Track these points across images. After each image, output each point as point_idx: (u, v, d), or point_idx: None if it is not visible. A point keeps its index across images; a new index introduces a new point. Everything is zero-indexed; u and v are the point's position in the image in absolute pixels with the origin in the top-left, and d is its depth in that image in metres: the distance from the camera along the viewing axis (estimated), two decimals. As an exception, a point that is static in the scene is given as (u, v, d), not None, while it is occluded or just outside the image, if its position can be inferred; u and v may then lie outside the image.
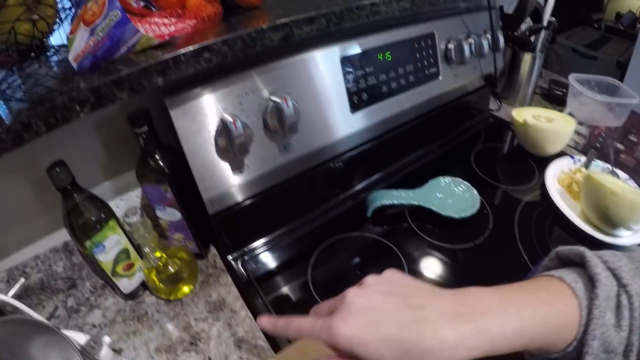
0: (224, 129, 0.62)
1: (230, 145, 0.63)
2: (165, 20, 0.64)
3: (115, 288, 0.72)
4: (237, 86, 0.63)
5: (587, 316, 0.37)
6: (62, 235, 0.76)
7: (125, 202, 0.79)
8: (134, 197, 0.80)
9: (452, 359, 0.34)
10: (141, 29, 0.58)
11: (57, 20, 0.71)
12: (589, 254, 0.40)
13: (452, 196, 0.84)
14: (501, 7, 1.08)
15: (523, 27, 1.12)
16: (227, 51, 0.58)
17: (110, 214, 0.68)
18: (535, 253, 0.73)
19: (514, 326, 0.36)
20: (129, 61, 0.56)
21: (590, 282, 0.38)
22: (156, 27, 0.62)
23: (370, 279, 0.41)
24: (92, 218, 0.66)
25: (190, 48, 0.55)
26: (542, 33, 1.07)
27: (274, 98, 0.64)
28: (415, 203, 0.81)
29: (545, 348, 0.38)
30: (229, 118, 0.61)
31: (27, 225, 0.74)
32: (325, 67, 0.71)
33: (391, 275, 0.42)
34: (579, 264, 0.42)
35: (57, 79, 0.59)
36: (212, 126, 0.63)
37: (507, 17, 1.08)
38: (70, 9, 0.72)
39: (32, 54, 0.71)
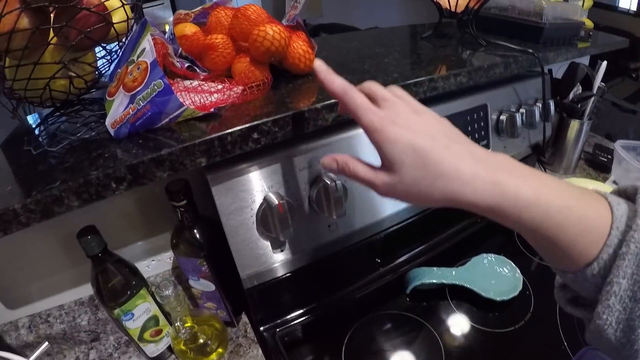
0: (267, 207, 0.59)
1: (273, 224, 0.59)
2: (211, 87, 0.62)
3: (140, 350, 0.69)
4: (284, 163, 0.61)
5: (620, 238, 0.32)
6: (89, 289, 0.75)
7: (157, 264, 0.77)
8: (166, 258, 0.77)
9: (457, 193, 0.36)
10: (186, 101, 0.56)
11: (96, 75, 0.70)
12: None
13: (495, 276, 0.80)
14: (550, 71, 1.05)
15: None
16: (278, 132, 0.55)
17: (141, 282, 0.66)
18: (576, 340, 0.68)
19: (529, 194, 0.34)
20: (170, 132, 0.54)
21: (636, 214, 0.33)
22: (201, 95, 0.59)
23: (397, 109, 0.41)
24: (122, 284, 0.64)
25: (238, 128, 0.53)
26: (591, 100, 1.03)
27: (322, 177, 0.61)
28: (457, 283, 0.77)
29: (558, 249, 0.35)
30: (273, 198, 0.58)
31: (53, 276, 0.73)
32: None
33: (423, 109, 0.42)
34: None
35: (93, 144, 0.57)
36: (255, 204, 0.60)
37: (556, 83, 1.04)
38: (110, 64, 0.71)
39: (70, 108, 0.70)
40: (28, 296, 0.73)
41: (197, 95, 0.59)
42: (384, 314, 0.74)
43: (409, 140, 0.38)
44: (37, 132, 0.68)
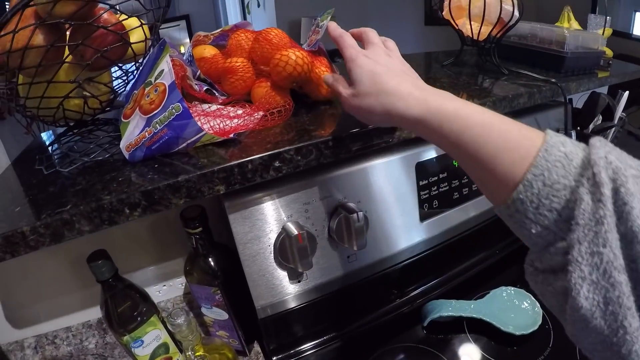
0: (286, 237, 0.57)
1: (292, 254, 0.58)
2: (231, 112, 0.60)
3: (149, 377, 0.67)
4: (304, 193, 0.59)
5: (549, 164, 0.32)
6: (98, 312, 0.73)
7: (168, 289, 0.75)
8: (178, 284, 0.76)
9: (392, 106, 0.44)
10: (204, 125, 0.54)
11: (111, 96, 0.69)
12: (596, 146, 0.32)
13: (514, 310, 0.77)
14: (570, 100, 1.03)
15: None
16: (300, 160, 0.54)
17: (152, 308, 0.64)
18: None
19: (449, 108, 0.40)
20: (187, 157, 0.53)
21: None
22: (220, 120, 0.58)
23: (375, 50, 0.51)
24: (132, 310, 0.62)
25: (259, 156, 0.51)
26: (612, 130, 1.02)
27: (342, 208, 0.60)
28: (475, 316, 0.75)
29: (483, 169, 0.37)
30: (293, 228, 0.56)
31: (61, 297, 0.72)
32: (399, 173, 0.67)
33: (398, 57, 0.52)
34: None
35: (106, 166, 0.55)
36: (273, 233, 0.58)
37: (577, 113, 1.03)
38: (126, 85, 0.70)
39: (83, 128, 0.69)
40: (35, 316, 0.71)
41: (216, 119, 0.57)
42: (400, 346, 0.72)
43: (370, 67, 0.47)
44: (49, 151, 0.67)
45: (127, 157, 0.53)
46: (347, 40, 0.52)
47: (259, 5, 4.19)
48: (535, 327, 0.73)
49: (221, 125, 0.56)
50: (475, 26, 0.89)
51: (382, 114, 0.46)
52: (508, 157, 0.35)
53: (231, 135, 0.55)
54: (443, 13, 0.96)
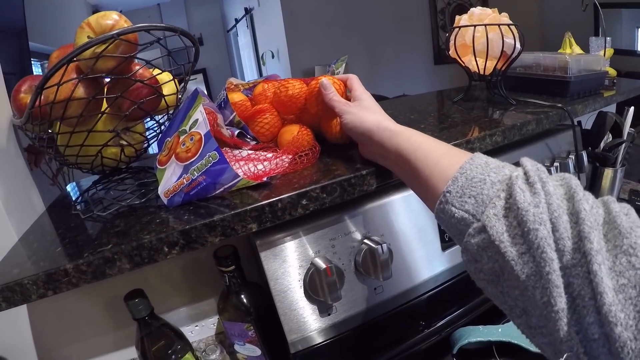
0: (315, 272, 0.59)
1: (321, 288, 0.60)
2: (261, 156, 0.64)
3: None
4: (330, 229, 0.62)
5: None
6: (131, 353, 0.75)
7: (200, 329, 0.77)
8: (210, 324, 0.78)
9: (356, 122, 0.57)
10: (239, 171, 0.57)
11: (145, 144, 0.73)
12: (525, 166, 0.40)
13: (542, 331, 0.78)
14: (579, 122, 1.06)
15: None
16: (325, 198, 0.57)
17: (187, 346, 0.66)
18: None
19: (395, 127, 0.53)
20: (219, 199, 0.56)
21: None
22: (252, 164, 0.61)
23: (365, 97, 0.62)
24: (167, 348, 0.64)
25: (288, 195, 0.54)
26: (623, 146, 1.03)
27: (367, 241, 0.62)
28: (504, 340, 0.75)
29: (424, 177, 0.46)
30: (321, 262, 0.59)
31: (95, 338, 0.74)
32: (418, 205, 0.69)
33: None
34: None
35: (142, 210, 0.59)
36: (302, 269, 0.61)
37: (587, 133, 1.05)
38: (158, 135, 0.74)
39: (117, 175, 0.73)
40: (68, 357, 0.73)
41: (248, 164, 0.60)
42: (431, 376, 0.72)
43: (355, 124, 0.58)
44: (84, 197, 0.70)
45: (165, 202, 0.56)
46: (332, 95, 0.63)
47: (273, 57, 4.31)
48: (565, 346, 0.73)
49: (254, 170, 0.59)
50: (481, 62, 0.93)
51: (374, 120, 0.56)
52: (446, 163, 0.44)
53: (264, 179, 0.58)
54: (450, 52, 1.00)
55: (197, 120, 0.57)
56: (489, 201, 0.38)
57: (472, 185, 0.40)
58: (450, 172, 0.42)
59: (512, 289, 0.37)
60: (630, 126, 1.03)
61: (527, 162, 0.39)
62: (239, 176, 0.55)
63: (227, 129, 0.67)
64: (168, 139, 0.63)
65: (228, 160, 0.55)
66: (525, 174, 0.38)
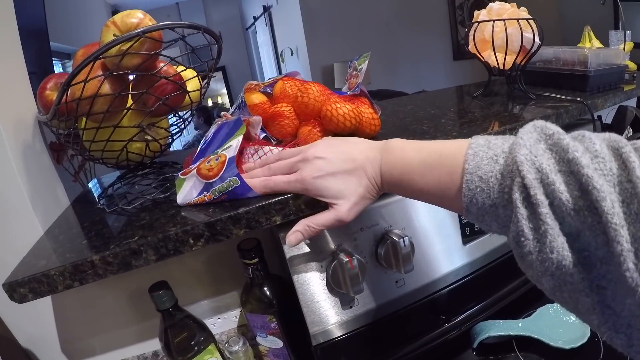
0: (337, 264, 0.60)
1: (344, 280, 0.60)
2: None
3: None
4: (352, 222, 0.62)
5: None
6: (153, 345, 0.76)
7: (222, 322, 0.78)
8: (232, 317, 0.79)
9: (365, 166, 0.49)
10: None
11: (169, 140, 0.74)
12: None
13: (562, 325, 0.78)
14: (599, 117, 1.05)
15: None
16: (347, 191, 0.57)
17: (210, 337, 0.67)
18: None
19: (394, 175, 0.48)
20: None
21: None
22: None
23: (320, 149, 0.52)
24: (190, 339, 0.65)
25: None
26: (643, 141, 1.02)
27: (389, 234, 0.62)
28: (524, 334, 0.75)
29: (437, 202, 0.45)
30: (343, 256, 0.59)
31: (118, 330, 0.75)
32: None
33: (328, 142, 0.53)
34: None
35: (166, 204, 0.59)
36: (325, 261, 0.61)
37: (607, 128, 1.04)
38: (180, 131, 0.75)
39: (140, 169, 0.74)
40: (91, 349, 0.75)
41: None
42: (451, 370, 0.72)
43: (328, 182, 0.50)
44: (109, 192, 0.72)
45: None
46: (274, 184, 0.54)
47: (292, 54, 4.33)
48: (584, 340, 0.74)
49: None
50: (500, 56, 0.93)
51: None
52: (447, 198, 0.42)
53: None
54: (469, 47, 1.00)
55: (230, 145, 0.57)
56: (509, 222, 0.36)
57: (486, 213, 0.38)
58: (458, 203, 0.40)
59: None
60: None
61: (522, 165, 0.33)
62: (259, 195, 0.55)
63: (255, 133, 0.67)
64: (202, 157, 0.61)
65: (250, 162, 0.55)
66: (525, 187, 0.33)
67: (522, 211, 0.33)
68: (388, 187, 0.50)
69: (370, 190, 0.50)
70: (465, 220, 0.73)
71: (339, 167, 0.50)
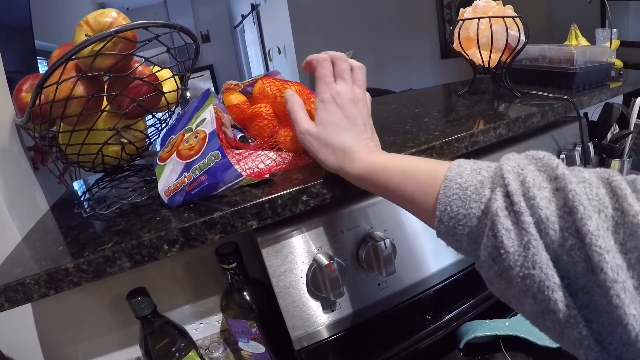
0: (317, 268, 0.59)
1: (324, 284, 0.59)
2: (261, 155, 0.63)
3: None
4: (333, 224, 0.61)
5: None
6: (135, 351, 0.76)
7: (205, 327, 0.77)
8: (214, 321, 0.78)
9: (345, 164, 0.50)
10: (243, 171, 0.56)
11: (146, 142, 0.73)
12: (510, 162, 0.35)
13: (549, 324, 0.77)
14: (585, 114, 1.05)
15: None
16: (326, 193, 0.56)
17: (190, 344, 0.66)
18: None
19: (377, 163, 0.48)
20: (219, 197, 0.56)
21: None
22: (253, 162, 0.60)
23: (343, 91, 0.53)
24: (171, 345, 0.64)
25: (288, 191, 0.54)
26: (629, 137, 1.02)
27: (370, 236, 0.61)
28: (511, 333, 0.74)
29: (411, 208, 0.45)
30: (323, 258, 0.58)
31: (100, 337, 0.74)
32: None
33: (345, 102, 0.53)
34: None
35: (143, 208, 0.59)
36: (305, 265, 0.60)
37: (593, 125, 1.04)
38: (159, 132, 0.74)
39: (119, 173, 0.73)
40: (74, 356, 0.74)
41: (249, 162, 0.60)
42: (437, 371, 0.71)
43: (337, 119, 0.52)
44: (87, 196, 0.70)
45: (166, 201, 0.55)
46: (324, 71, 0.55)
47: (280, 52, 4.32)
48: (571, 337, 0.73)
49: (256, 168, 0.59)
50: (485, 54, 0.92)
51: (332, 166, 0.52)
52: (422, 197, 0.41)
53: (266, 176, 0.58)
54: (454, 45, 0.99)
55: (204, 119, 0.57)
56: (481, 237, 0.35)
57: (458, 224, 0.37)
58: (431, 207, 0.39)
59: (524, 315, 0.36)
60: (637, 117, 1.02)
61: (508, 171, 0.33)
62: (242, 175, 0.54)
63: (232, 131, 0.67)
64: (172, 136, 0.63)
65: (231, 157, 0.54)
66: (508, 196, 0.32)
67: (502, 220, 0.32)
68: (365, 170, 0.49)
69: (350, 155, 0.51)
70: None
71: (351, 118, 0.53)
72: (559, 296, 0.29)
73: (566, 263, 0.30)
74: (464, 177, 0.37)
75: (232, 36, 6.24)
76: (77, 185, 0.83)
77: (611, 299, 0.26)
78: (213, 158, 0.52)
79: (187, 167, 0.54)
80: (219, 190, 0.56)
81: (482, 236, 0.34)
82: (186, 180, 0.54)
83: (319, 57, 0.56)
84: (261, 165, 0.60)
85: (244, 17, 5.41)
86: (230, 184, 0.55)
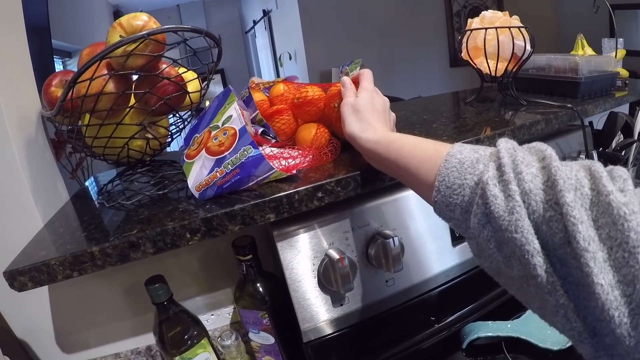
0: (329, 262, 0.62)
1: (334, 278, 0.62)
2: (284, 153, 0.66)
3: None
4: (345, 221, 0.64)
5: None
6: (147, 340, 0.77)
7: (216, 318, 0.79)
8: (225, 314, 0.80)
9: (365, 130, 0.56)
10: (274, 165, 0.58)
11: (169, 138, 0.76)
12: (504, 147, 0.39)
13: (550, 326, 0.79)
14: (590, 123, 1.07)
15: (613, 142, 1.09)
16: (340, 191, 0.59)
17: (203, 332, 0.69)
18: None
19: (392, 135, 0.54)
20: (243, 191, 0.58)
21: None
22: (278, 160, 0.63)
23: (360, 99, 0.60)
24: (184, 333, 0.66)
25: (304, 187, 0.57)
26: (634, 146, 1.04)
27: (380, 234, 0.64)
28: (513, 335, 0.76)
29: (412, 179, 0.48)
30: (335, 254, 0.61)
31: (113, 324, 0.76)
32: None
33: (379, 100, 0.62)
34: None
35: (164, 200, 0.61)
36: (317, 259, 0.63)
37: (598, 134, 1.06)
38: (179, 130, 0.77)
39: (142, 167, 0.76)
40: (85, 342, 0.76)
41: (273, 160, 0.62)
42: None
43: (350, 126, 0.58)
44: (108, 188, 0.74)
45: (197, 196, 0.57)
46: (346, 91, 0.64)
47: (290, 58, 4.34)
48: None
49: (284, 164, 0.62)
50: (492, 63, 0.95)
51: (355, 131, 0.57)
52: (426, 167, 0.45)
53: (293, 172, 0.60)
54: (462, 54, 1.02)
55: (231, 116, 0.59)
56: (472, 206, 0.38)
57: (453, 193, 0.41)
58: (431, 179, 0.44)
59: (510, 286, 0.39)
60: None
61: (503, 149, 0.38)
62: (274, 168, 0.57)
63: (252, 126, 0.69)
64: (197, 135, 0.65)
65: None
66: (499, 168, 0.36)
67: (491, 188, 0.36)
68: (382, 137, 0.54)
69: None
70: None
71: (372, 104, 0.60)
72: (537, 261, 0.32)
73: (545, 233, 0.33)
74: (464, 154, 0.42)
75: (243, 41, 6.26)
76: (90, 182, 0.86)
77: (582, 267, 0.29)
78: (245, 152, 0.54)
79: (218, 163, 0.56)
80: (250, 184, 0.58)
81: (473, 205, 0.38)
82: (218, 175, 0.56)
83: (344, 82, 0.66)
84: (288, 162, 0.63)
85: (255, 22, 5.44)
86: (261, 177, 0.58)
